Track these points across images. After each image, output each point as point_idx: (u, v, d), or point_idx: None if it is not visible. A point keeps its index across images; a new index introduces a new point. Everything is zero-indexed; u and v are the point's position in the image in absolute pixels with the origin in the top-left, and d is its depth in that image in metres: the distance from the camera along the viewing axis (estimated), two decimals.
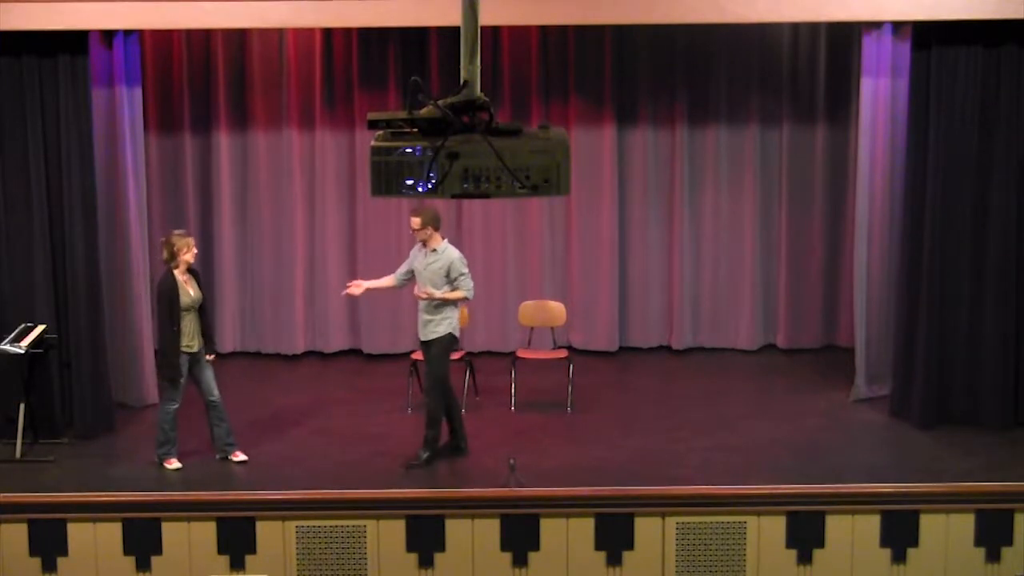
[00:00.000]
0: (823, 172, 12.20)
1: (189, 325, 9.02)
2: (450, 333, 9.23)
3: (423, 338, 9.29)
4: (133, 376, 10.53)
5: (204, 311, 9.21)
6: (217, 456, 9.29)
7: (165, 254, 9.07)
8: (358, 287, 9.57)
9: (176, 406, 9.09)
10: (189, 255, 9.05)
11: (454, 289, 9.20)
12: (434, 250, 9.22)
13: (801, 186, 12.21)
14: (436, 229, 9.24)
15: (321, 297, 12.32)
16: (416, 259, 9.34)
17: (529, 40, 11.99)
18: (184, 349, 9.00)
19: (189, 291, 9.04)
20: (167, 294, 8.97)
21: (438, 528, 8.53)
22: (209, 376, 9.17)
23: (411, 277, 9.43)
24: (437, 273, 9.18)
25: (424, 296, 9.18)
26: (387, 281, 9.62)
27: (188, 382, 9.13)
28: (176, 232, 9.27)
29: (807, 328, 12.36)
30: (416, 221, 9.18)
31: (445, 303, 9.20)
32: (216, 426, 9.25)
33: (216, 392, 9.18)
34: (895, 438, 9.82)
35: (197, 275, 9.22)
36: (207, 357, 9.21)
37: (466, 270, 9.25)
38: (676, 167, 12.21)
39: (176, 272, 9.02)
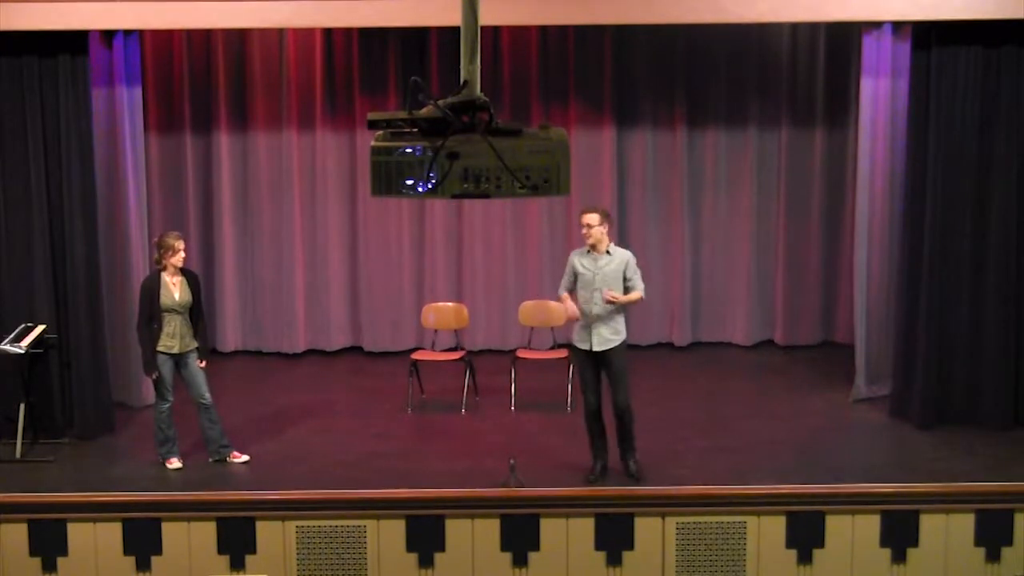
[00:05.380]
0: (821, 173, 12.21)
1: (171, 326, 8.98)
2: (625, 339, 8.72)
3: (598, 348, 8.61)
4: (133, 376, 10.51)
5: (195, 315, 9.11)
6: (211, 459, 9.25)
7: (155, 254, 9.07)
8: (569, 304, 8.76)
9: (167, 405, 9.07)
10: (175, 258, 8.99)
11: (628, 290, 8.65)
12: (608, 252, 8.63)
13: (800, 187, 12.23)
14: (610, 227, 8.75)
15: (323, 296, 12.33)
16: (582, 262, 8.67)
17: (529, 40, 12.00)
18: (161, 349, 8.97)
19: (173, 293, 9.00)
20: (146, 292, 9.00)
21: (438, 528, 8.52)
22: (199, 379, 9.11)
23: (573, 286, 8.76)
24: (613, 275, 8.58)
25: (611, 299, 8.49)
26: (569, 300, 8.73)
27: (177, 383, 9.10)
28: (170, 233, 9.25)
29: (804, 325, 12.39)
30: (594, 218, 8.55)
31: (622, 306, 8.66)
32: (208, 429, 9.20)
33: (207, 395, 9.13)
34: (895, 438, 9.81)
35: (193, 279, 9.15)
36: (199, 364, 9.16)
37: (638, 268, 8.73)
38: (676, 167, 12.21)
39: (164, 273, 9.02)
